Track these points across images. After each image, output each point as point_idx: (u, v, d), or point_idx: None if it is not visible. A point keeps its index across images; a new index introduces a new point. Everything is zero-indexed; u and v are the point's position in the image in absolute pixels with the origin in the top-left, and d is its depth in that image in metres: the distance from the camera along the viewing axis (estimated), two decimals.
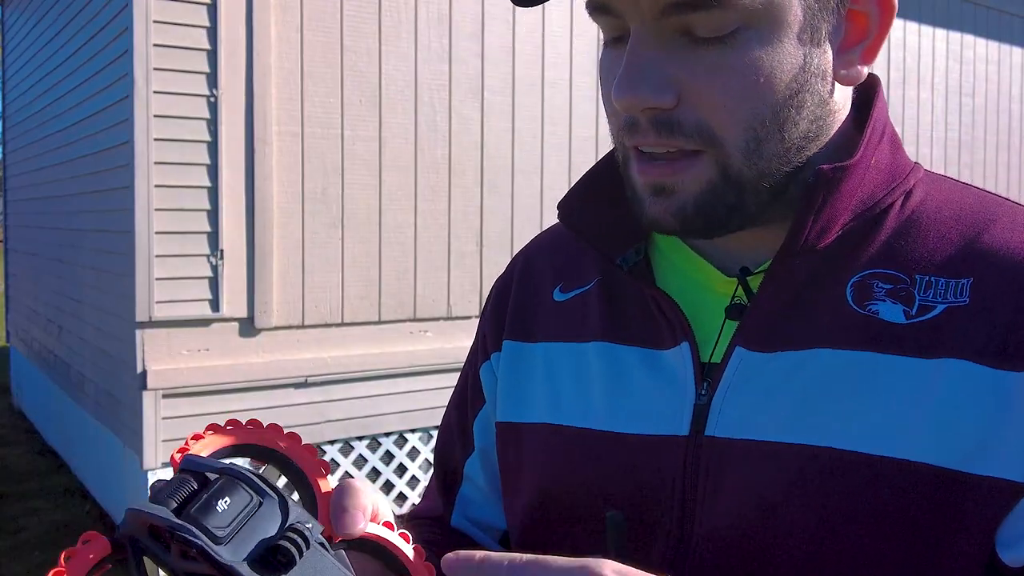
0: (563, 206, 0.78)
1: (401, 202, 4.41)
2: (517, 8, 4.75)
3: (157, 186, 3.81)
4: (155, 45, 3.76)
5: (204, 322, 3.95)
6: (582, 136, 4.94)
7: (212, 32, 3.87)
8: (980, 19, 6.70)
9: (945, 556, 0.59)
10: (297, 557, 0.50)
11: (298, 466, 0.59)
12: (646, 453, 0.69)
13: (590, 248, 0.77)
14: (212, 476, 0.53)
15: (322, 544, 0.52)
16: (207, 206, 3.91)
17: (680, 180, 0.65)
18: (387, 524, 0.57)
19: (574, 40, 4.89)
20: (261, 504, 0.52)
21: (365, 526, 0.55)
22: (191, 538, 0.49)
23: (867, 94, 0.72)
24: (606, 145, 5.03)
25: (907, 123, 6.26)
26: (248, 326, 4.04)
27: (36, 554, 4.42)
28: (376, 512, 0.57)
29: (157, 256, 3.82)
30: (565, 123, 4.88)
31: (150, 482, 3.89)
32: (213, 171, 3.91)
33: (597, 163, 0.79)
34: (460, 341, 4.57)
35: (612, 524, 0.65)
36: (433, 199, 4.50)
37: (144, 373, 3.82)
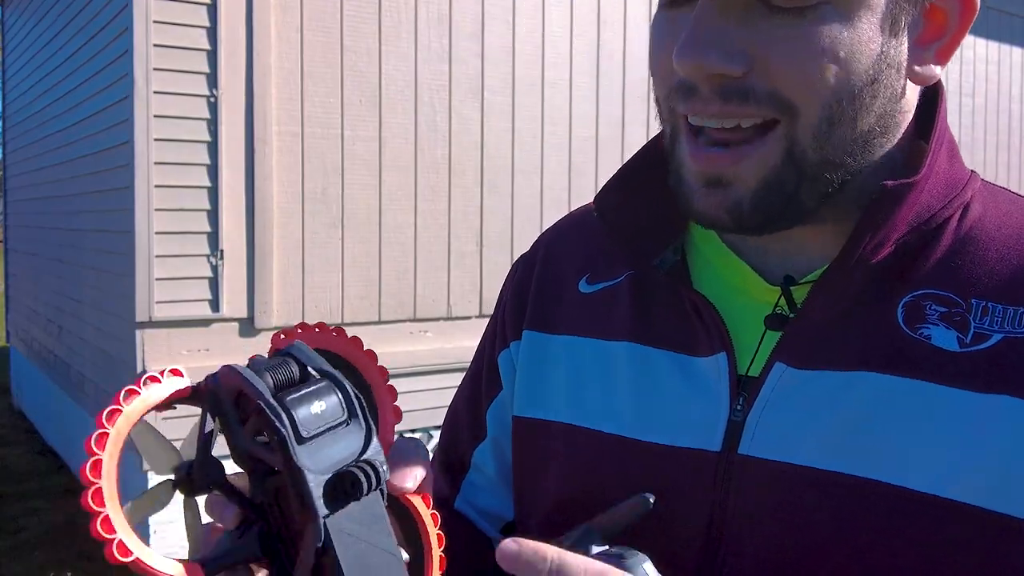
0: (600, 201, 0.74)
1: (401, 202, 4.41)
2: (517, 8, 4.77)
3: (157, 186, 3.81)
4: (155, 45, 3.76)
5: (204, 322, 3.95)
6: (582, 136, 4.94)
7: (212, 32, 3.87)
8: (980, 19, 6.70)
9: None
10: (364, 492, 0.48)
11: (372, 394, 0.57)
12: (674, 466, 0.66)
13: (625, 245, 0.73)
14: (314, 374, 0.51)
15: (382, 492, 0.50)
16: (207, 206, 3.91)
17: (739, 170, 0.60)
18: (425, 497, 0.55)
19: (574, 40, 4.89)
20: (348, 424, 0.50)
21: (413, 487, 0.53)
22: (278, 424, 0.47)
23: (930, 100, 0.68)
24: (606, 145, 5.04)
25: None
26: (248, 326, 4.04)
27: (36, 554, 4.42)
28: (423, 482, 0.55)
29: (157, 256, 3.82)
30: (565, 123, 4.88)
31: (150, 483, 3.89)
32: (213, 171, 3.91)
33: (633, 156, 0.75)
34: (460, 341, 4.57)
35: (642, 505, 0.59)
36: (433, 199, 4.50)
37: (144, 373, 3.81)
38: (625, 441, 0.68)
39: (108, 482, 0.46)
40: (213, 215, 3.92)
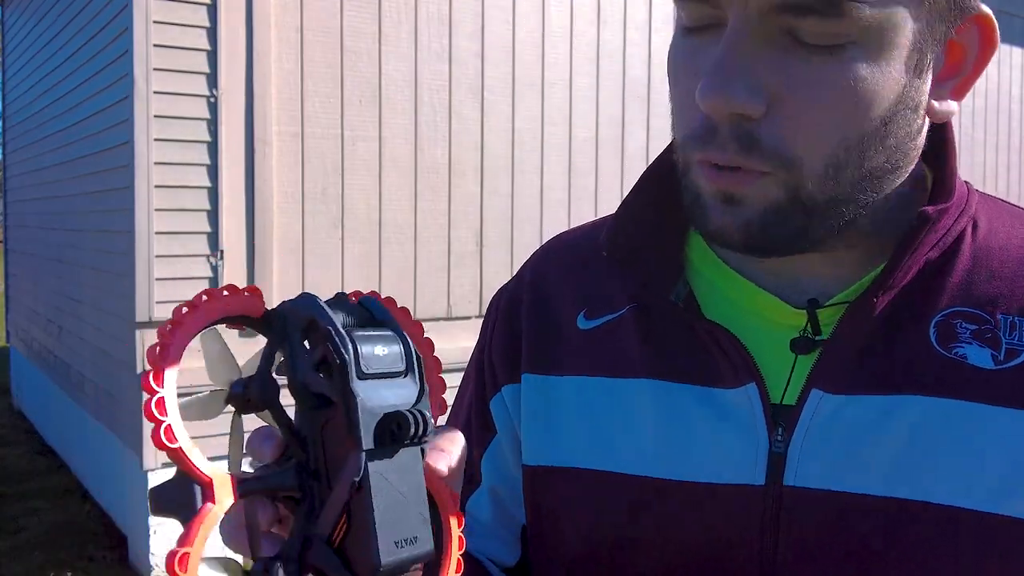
0: (610, 241, 0.72)
1: (401, 202, 4.41)
2: (517, 8, 4.77)
3: (157, 186, 3.81)
4: (155, 45, 3.76)
5: None
6: (582, 137, 4.94)
7: (212, 32, 3.87)
8: None
9: None
10: (412, 435, 0.48)
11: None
12: (717, 504, 0.63)
13: (638, 286, 0.71)
14: (380, 322, 0.52)
15: (423, 451, 0.51)
16: (207, 206, 3.91)
17: (750, 191, 0.60)
18: (454, 496, 0.54)
19: (574, 41, 4.89)
20: (404, 376, 0.51)
21: (445, 472, 0.52)
22: (342, 349, 0.48)
23: (942, 125, 0.68)
24: (606, 145, 5.04)
25: None
26: None
27: (36, 554, 4.42)
28: (453, 472, 0.53)
29: (157, 256, 3.82)
30: (565, 123, 4.88)
31: (150, 482, 3.89)
32: (213, 171, 3.91)
33: (635, 187, 0.73)
34: (460, 341, 4.57)
35: None
36: (433, 199, 4.50)
37: (144, 373, 3.81)
38: (661, 483, 0.66)
39: (170, 372, 0.48)
40: (213, 215, 3.93)
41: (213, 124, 3.90)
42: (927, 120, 0.63)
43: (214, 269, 3.94)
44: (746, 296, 0.68)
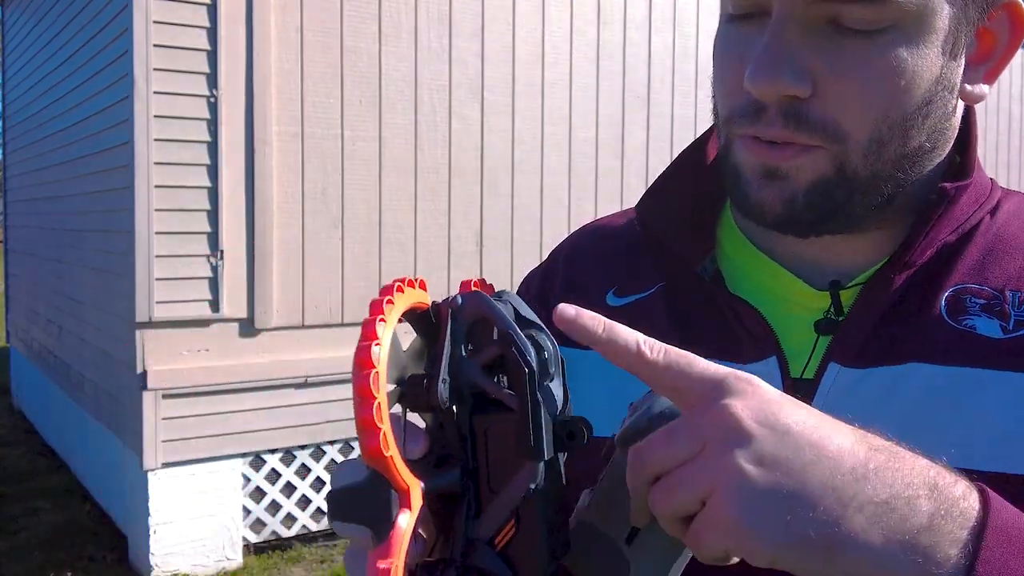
0: (643, 210, 0.75)
1: (401, 202, 4.41)
2: (517, 8, 4.76)
3: (157, 186, 3.81)
4: (155, 45, 3.76)
5: (204, 322, 3.95)
6: (582, 137, 4.94)
7: (212, 32, 3.87)
8: None
9: None
10: (581, 442, 0.48)
11: None
12: None
13: (667, 255, 0.73)
14: (529, 325, 0.51)
15: None
16: (207, 206, 3.91)
17: (795, 166, 0.62)
18: None
19: (574, 40, 4.89)
20: (555, 377, 0.50)
21: None
22: (531, 360, 0.47)
23: (965, 110, 0.71)
24: (606, 146, 5.04)
25: None
26: (248, 326, 4.04)
27: (36, 554, 4.42)
28: None
29: (157, 256, 3.82)
30: (565, 123, 4.88)
31: (150, 482, 3.89)
32: (213, 171, 3.91)
33: (675, 162, 0.76)
34: None
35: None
36: (433, 199, 4.50)
37: (144, 373, 3.82)
38: None
39: (383, 375, 0.45)
40: (213, 215, 3.92)
41: (213, 124, 3.90)
42: (960, 103, 0.66)
43: (214, 269, 3.94)
44: (772, 278, 0.71)
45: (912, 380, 0.63)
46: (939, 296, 0.65)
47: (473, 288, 0.53)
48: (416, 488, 0.46)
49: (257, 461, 4.20)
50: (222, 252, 3.95)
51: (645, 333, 0.71)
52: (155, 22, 3.75)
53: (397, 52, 4.34)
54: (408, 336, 0.51)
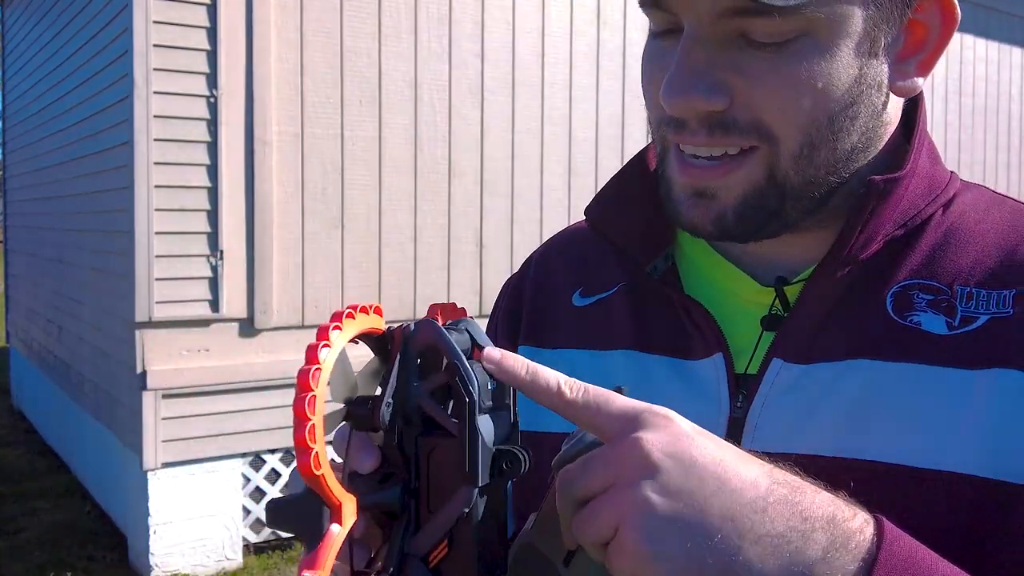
0: (591, 211, 0.76)
1: (401, 202, 4.41)
2: (517, 8, 4.77)
3: (157, 186, 3.81)
4: (155, 45, 3.76)
5: (204, 322, 3.95)
6: (581, 137, 4.94)
7: (212, 32, 3.87)
8: (980, 19, 6.70)
9: (993, 567, 0.58)
10: (518, 473, 0.51)
11: None
12: None
13: (619, 255, 0.75)
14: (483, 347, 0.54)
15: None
16: (207, 206, 3.91)
17: (724, 184, 0.63)
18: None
19: (574, 40, 4.89)
20: (504, 407, 0.53)
21: None
22: (471, 387, 0.50)
23: (911, 102, 0.71)
24: (606, 146, 5.03)
25: None
26: (248, 326, 4.04)
27: (36, 554, 4.42)
28: None
29: (157, 256, 3.82)
30: (565, 123, 4.88)
31: (149, 482, 3.89)
32: (213, 171, 3.91)
33: (623, 167, 0.77)
34: None
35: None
36: (433, 199, 4.50)
37: (144, 373, 3.82)
38: None
39: (320, 397, 0.48)
40: (213, 215, 3.92)
41: (213, 124, 3.90)
42: (891, 98, 0.66)
43: (214, 269, 3.94)
44: (724, 275, 0.72)
45: (853, 376, 0.63)
46: (885, 292, 0.66)
47: (440, 312, 0.56)
48: (350, 503, 0.49)
49: (257, 461, 4.20)
50: (222, 252, 3.95)
51: (607, 330, 0.76)
52: (155, 22, 3.75)
53: (397, 52, 4.34)
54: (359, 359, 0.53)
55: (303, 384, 0.47)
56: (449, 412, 0.52)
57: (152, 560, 3.91)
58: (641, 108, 5.10)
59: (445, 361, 0.51)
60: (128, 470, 4.22)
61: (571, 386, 0.51)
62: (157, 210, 3.81)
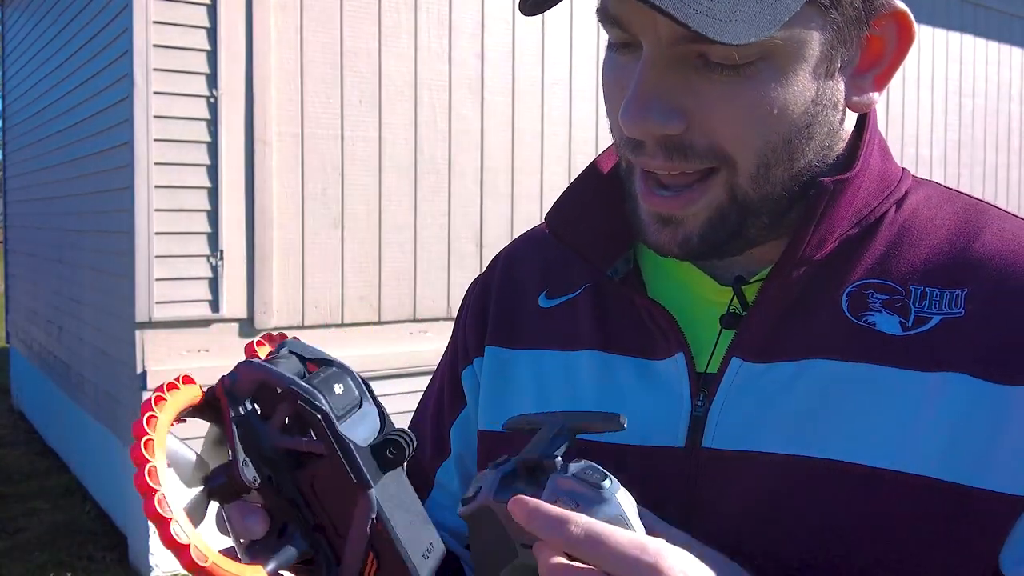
0: (552, 217, 0.77)
1: (401, 202, 4.41)
2: (517, 9, 4.73)
3: (157, 187, 3.81)
4: (155, 46, 3.76)
5: (204, 323, 3.95)
6: (581, 138, 4.94)
7: (212, 33, 3.87)
8: (980, 19, 6.70)
9: (943, 568, 0.59)
10: (406, 456, 0.50)
11: None
12: (644, 464, 0.68)
13: (581, 259, 0.76)
14: (320, 363, 0.52)
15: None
16: (207, 207, 3.91)
17: (690, 211, 0.64)
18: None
19: (574, 41, 4.89)
20: (360, 406, 0.52)
21: None
22: (318, 403, 0.48)
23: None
24: (605, 146, 5.02)
25: (907, 123, 6.26)
26: (248, 326, 4.04)
27: (36, 554, 4.42)
28: None
29: (157, 256, 3.82)
30: (565, 124, 4.88)
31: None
32: (213, 171, 3.91)
33: (582, 172, 0.78)
34: None
35: (615, 425, 0.60)
36: (433, 199, 4.50)
37: (144, 374, 3.82)
38: (595, 445, 0.70)
39: (169, 494, 0.46)
40: (213, 215, 3.92)
41: (213, 124, 3.90)
42: (847, 113, 0.67)
43: (214, 269, 3.94)
44: (685, 275, 0.74)
45: (810, 375, 0.65)
46: (841, 291, 0.67)
47: (256, 347, 0.54)
48: (260, 574, 0.47)
49: None
50: (222, 252, 3.95)
51: (573, 331, 0.77)
52: (155, 22, 3.75)
53: (397, 52, 4.34)
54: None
55: (142, 490, 0.45)
56: (310, 436, 0.49)
57: (152, 560, 3.91)
58: None
59: (280, 391, 0.49)
60: (128, 470, 4.22)
61: (576, 521, 0.52)
62: (157, 210, 3.81)
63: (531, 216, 4.78)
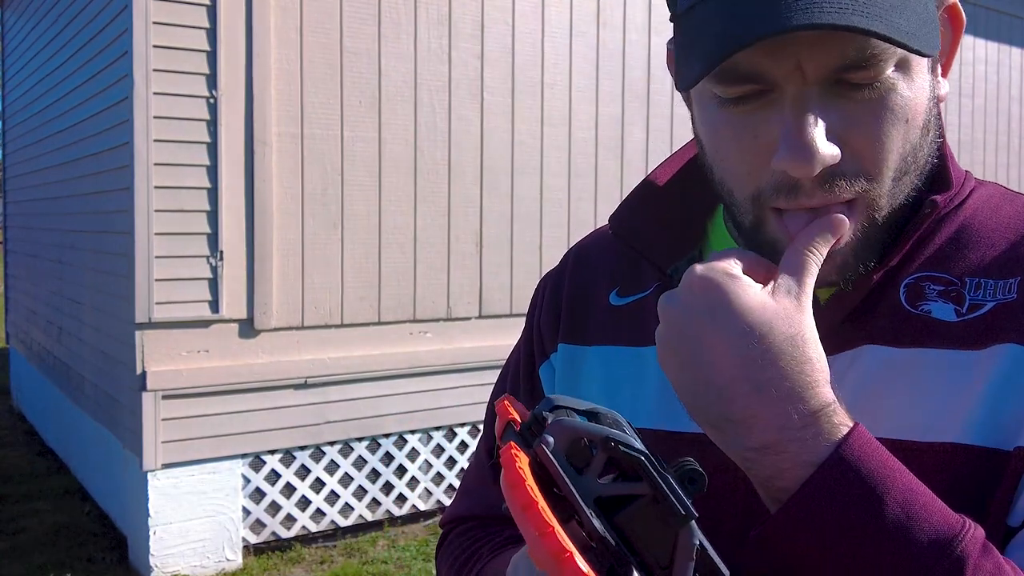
0: (615, 218, 0.80)
1: (401, 203, 4.41)
2: (517, 9, 4.77)
3: (157, 187, 3.81)
4: (155, 46, 3.76)
5: (204, 323, 3.95)
6: (581, 138, 4.94)
7: (212, 33, 3.87)
8: (980, 20, 6.70)
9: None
10: (705, 480, 0.52)
11: None
12: (706, 449, 0.68)
13: (643, 259, 0.79)
14: (587, 413, 0.55)
15: None
16: (207, 207, 3.91)
17: (839, 241, 0.65)
18: None
19: (574, 40, 4.89)
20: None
21: None
22: (635, 449, 0.50)
23: None
24: (605, 146, 5.03)
25: None
26: (248, 327, 4.04)
27: (36, 555, 4.42)
28: None
29: (157, 257, 3.82)
30: (564, 124, 4.88)
31: (150, 483, 3.89)
32: (213, 172, 3.91)
33: (651, 176, 0.81)
34: (460, 342, 4.57)
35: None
36: (433, 200, 4.50)
37: (144, 374, 3.81)
38: (656, 433, 0.73)
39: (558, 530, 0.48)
40: (213, 216, 3.92)
41: (213, 125, 3.89)
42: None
43: (214, 270, 3.94)
44: None
45: (863, 359, 0.67)
46: (899, 283, 0.69)
47: (510, 415, 0.57)
48: None
49: (257, 462, 4.19)
50: (222, 253, 3.95)
51: (643, 328, 0.79)
52: (155, 23, 3.75)
53: (397, 52, 4.34)
54: None
55: (553, 551, 0.47)
56: (630, 480, 0.52)
57: (152, 561, 3.91)
58: (641, 109, 5.11)
59: (585, 441, 0.52)
60: (128, 471, 4.22)
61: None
62: (157, 211, 3.81)
63: (531, 216, 4.78)
